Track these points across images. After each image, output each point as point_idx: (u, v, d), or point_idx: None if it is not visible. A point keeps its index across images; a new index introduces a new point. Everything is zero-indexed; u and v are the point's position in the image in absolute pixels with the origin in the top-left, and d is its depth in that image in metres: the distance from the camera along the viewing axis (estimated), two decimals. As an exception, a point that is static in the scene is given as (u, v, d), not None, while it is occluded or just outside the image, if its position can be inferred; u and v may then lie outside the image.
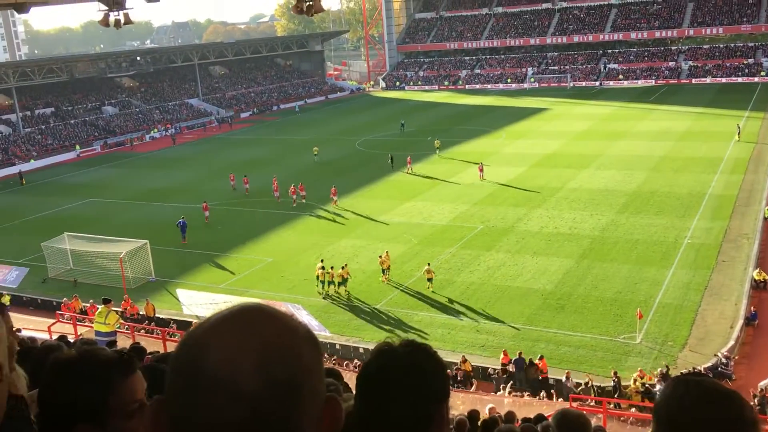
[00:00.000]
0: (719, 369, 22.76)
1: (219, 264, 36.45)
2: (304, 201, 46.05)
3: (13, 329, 2.42)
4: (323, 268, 31.83)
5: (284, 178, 51.09)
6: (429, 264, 31.97)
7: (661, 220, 37.92)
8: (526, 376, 23.23)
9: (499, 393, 22.17)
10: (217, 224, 42.78)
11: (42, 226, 44.78)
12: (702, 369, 22.57)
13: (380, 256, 32.83)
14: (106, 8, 18.47)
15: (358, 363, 24.69)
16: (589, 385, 21.83)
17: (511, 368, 23.54)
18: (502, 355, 24.00)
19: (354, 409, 1.70)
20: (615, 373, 22.27)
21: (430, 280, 30.95)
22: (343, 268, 31.61)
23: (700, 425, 1.59)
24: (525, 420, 9.25)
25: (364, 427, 1.68)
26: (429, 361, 1.73)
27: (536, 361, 23.21)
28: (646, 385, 21.50)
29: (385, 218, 41.46)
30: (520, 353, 23.75)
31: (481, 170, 49.76)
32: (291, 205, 45.70)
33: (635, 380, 21.73)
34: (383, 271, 32.34)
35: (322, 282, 31.61)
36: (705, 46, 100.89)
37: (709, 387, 1.66)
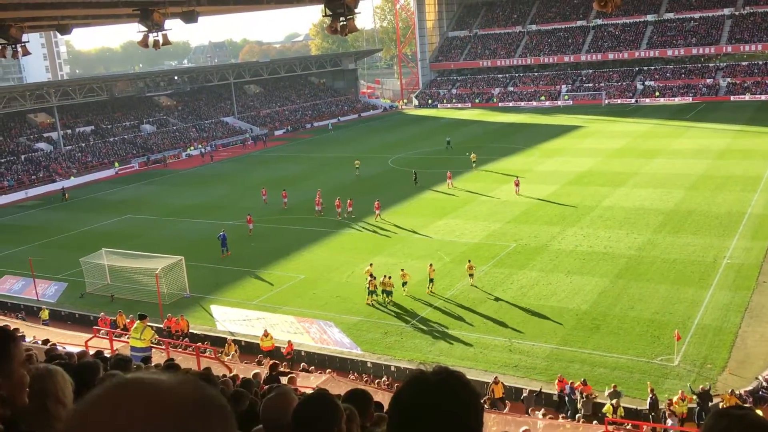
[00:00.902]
0: (760, 393, 22.10)
1: (252, 280, 36.72)
2: (352, 216, 46.55)
3: (25, 361, 2.46)
4: (372, 275, 32.49)
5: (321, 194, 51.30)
6: (470, 260, 33.82)
7: (700, 239, 37.18)
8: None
9: (532, 415, 21.79)
10: (250, 241, 43.16)
11: (81, 241, 45.71)
12: (742, 393, 21.97)
13: (402, 269, 33.31)
14: (146, 29, 18.90)
15: (387, 380, 24.56)
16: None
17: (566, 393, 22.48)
18: (557, 381, 23.11)
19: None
20: (652, 390, 21.70)
21: (471, 275, 32.89)
22: (385, 277, 32.08)
23: None
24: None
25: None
26: (463, 391, 1.70)
27: (578, 384, 22.57)
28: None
29: (418, 236, 41.34)
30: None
31: (517, 185, 50.15)
32: (335, 219, 46.35)
33: (677, 402, 21.10)
34: (430, 280, 32.88)
35: (371, 291, 32.16)
36: (743, 63, 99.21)
37: (752, 421, 1.61)
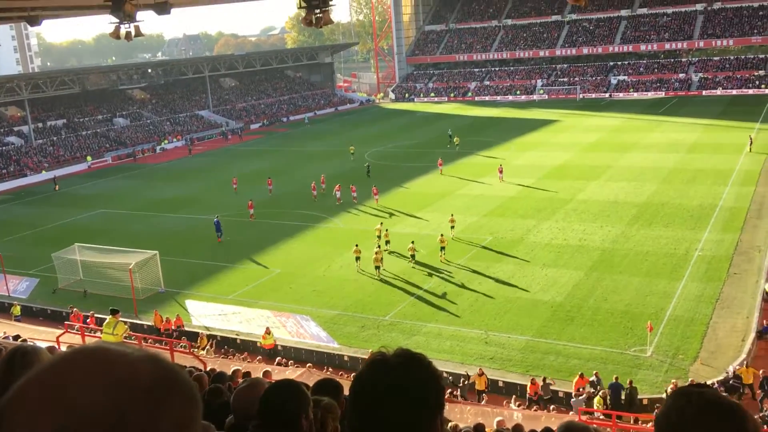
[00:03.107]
0: (731, 382, 22.50)
1: (227, 274, 36.49)
2: (356, 201, 48.33)
3: None
4: (379, 246, 35.99)
5: (294, 189, 51.18)
6: (442, 235, 36.44)
7: (672, 232, 37.69)
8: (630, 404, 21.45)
9: (510, 406, 21.97)
10: (226, 236, 42.81)
11: (53, 236, 45.06)
12: (714, 383, 22.34)
13: (412, 242, 36.15)
14: (117, 21, 18.63)
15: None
16: (586, 389, 21.72)
17: (588, 390, 21.91)
18: (576, 378, 22.53)
19: (348, 421, 1.67)
20: (630, 383, 21.97)
21: (413, 256, 35.58)
22: (376, 253, 34.38)
23: None
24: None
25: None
26: (422, 372, 1.69)
27: (575, 377, 22.55)
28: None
29: (398, 228, 41.35)
30: (616, 378, 22.24)
31: (501, 171, 51.68)
32: (335, 203, 48.28)
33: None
34: (442, 248, 35.64)
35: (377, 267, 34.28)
36: (715, 58, 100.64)
37: (710, 399, 1.62)
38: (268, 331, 27.82)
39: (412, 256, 35.61)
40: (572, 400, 21.80)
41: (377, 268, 34.20)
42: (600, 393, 21.73)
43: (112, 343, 1.19)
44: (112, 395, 1.07)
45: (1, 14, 20.13)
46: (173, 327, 29.38)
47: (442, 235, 36.66)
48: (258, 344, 27.93)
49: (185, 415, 1.12)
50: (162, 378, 1.12)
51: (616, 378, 22.41)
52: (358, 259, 35.16)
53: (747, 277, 31.18)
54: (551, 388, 22.72)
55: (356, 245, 35.69)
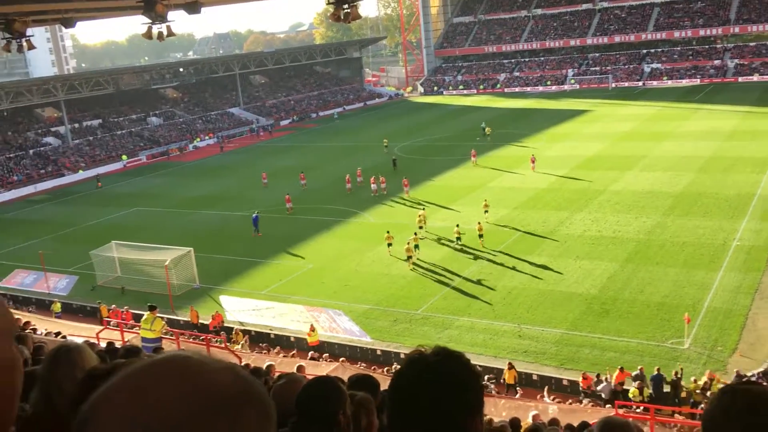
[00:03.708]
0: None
1: (261, 270, 36.82)
2: (385, 192, 49.10)
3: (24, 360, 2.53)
4: (415, 234, 36.72)
5: (325, 184, 51.41)
6: (479, 222, 37.33)
7: (709, 222, 37.00)
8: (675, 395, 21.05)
9: (544, 400, 21.82)
10: (262, 231, 43.14)
11: (90, 235, 45.93)
12: (755, 375, 21.91)
13: (457, 225, 37.22)
14: (150, 21, 18.89)
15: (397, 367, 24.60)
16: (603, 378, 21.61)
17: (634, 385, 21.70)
18: (617, 372, 22.18)
19: (386, 420, 1.68)
20: (676, 373, 21.59)
21: (458, 238, 36.50)
22: (408, 243, 34.89)
23: None
24: (568, 428, 9.10)
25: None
26: (462, 371, 1.68)
27: (614, 373, 22.23)
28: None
29: (430, 221, 41.20)
30: (658, 369, 21.83)
31: (533, 162, 51.84)
32: (371, 195, 49.00)
33: (706, 384, 20.99)
34: (480, 235, 36.50)
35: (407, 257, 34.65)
36: (751, 44, 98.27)
37: (756, 395, 1.59)
38: (312, 328, 27.68)
39: (458, 238, 36.59)
40: (598, 387, 21.67)
41: (409, 258, 34.40)
42: (636, 384, 21.46)
43: (192, 351, 1.22)
44: (194, 403, 1.09)
45: (36, 17, 20.53)
46: (217, 324, 29.53)
47: (479, 222, 37.38)
48: (306, 343, 27.78)
49: (260, 428, 1.14)
50: (241, 390, 1.14)
51: (658, 369, 22.08)
52: (390, 245, 35.87)
53: (787, 267, 30.47)
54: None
55: (387, 231, 36.61)
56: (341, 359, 24.04)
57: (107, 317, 29.08)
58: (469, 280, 32.40)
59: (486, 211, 40.27)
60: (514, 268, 33.26)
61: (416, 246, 35.17)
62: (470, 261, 34.57)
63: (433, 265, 34.51)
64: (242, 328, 29.56)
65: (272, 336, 29.21)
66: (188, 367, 1.12)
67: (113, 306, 31.74)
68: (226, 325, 30.10)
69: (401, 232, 38.29)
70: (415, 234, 36.88)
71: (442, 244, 37.51)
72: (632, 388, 21.18)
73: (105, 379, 1.19)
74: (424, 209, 41.67)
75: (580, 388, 22.30)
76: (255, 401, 1.14)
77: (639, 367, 22.56)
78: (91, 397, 1.12)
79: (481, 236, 36.42)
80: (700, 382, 21.11)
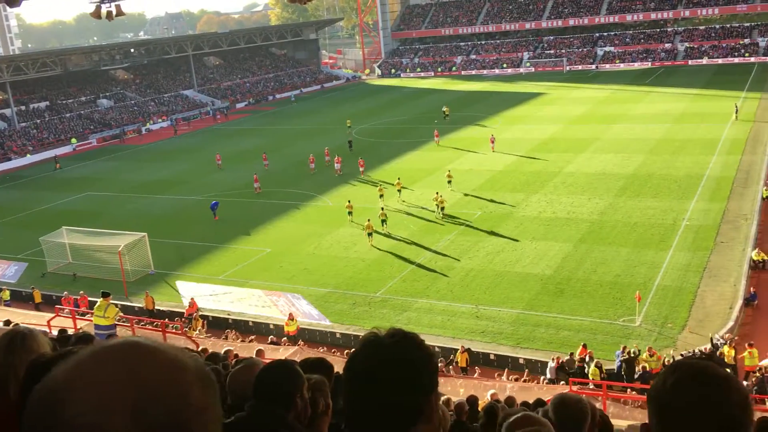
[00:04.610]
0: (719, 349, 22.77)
1: (217, 255, 36.44)
2: (340, 173, 49.89)
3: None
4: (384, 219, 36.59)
5: (284, 166, 50.94)
6: (437, 192, 38.72)
7: (659, 202, 37.92)
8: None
9: (500, 378, 22.18)
10: (219, 215, 42.63)
11: (40, 220, 44.76)
12: (704, 350, 22.63)
13: (368, 220, 36.15)
14: (98, 0, 18.36)
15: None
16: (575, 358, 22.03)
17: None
18: (579, 348, 22.90)
19: (343, 401, 1.68)
20: (624, 348, 22.35)
21: (442, 208, 37.84)
22: (369, 220, 35.57)
23: (689, 407, 1.58)
24: (524, 405, 9.26)
25: (352, 420, 1.66)
26: (416, 352, 1.69)
27: (578, 350, 22.82)
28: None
29: (389, 202, 41.33)
30: (624, 347, 22.65)
31: (493, 142, 52.89)
32: (335, 175, 49.62)
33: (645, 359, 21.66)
34: (441, 207, 37.93)
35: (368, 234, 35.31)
36: (701, 27, 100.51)
37: (700, 369, 1.64)
38: (291, 317, 27.18)
39: (442, 208, 37.82)
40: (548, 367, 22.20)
41: (369, 234, 34.95)
42: (595, 363, 21.97)
43: (142, 337, 1.27)
44: (175, 375, 1.17)
45: (-22, -5, 19.77)
46: (194, 312, 28.92)
47: (437, 192, 38.66)
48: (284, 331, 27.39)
49: (216, 391, 1.24)
50: (196, 362, 1.23)
51: (624, 348, 22.66)
52: (370, 235, 35.18)
53: (734, 246, 31.48)
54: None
55: (368, 220, 35.99)
56: (300, 342, 24.01)
57: (61, 305, 28.42)
58: (427, 264, 32.63)
59: (449, 181, 41.75)
60: (472, 250, 33.60)
61: (383, 221, 36.12)
62: (430, 243, 34.78)
63: (390, 250, 34.65)
64: (199, 313, 29.23)
65: (230, 321, 28.90)
66: (148, 347, 1.18)
67: (65, 293, 31.05)
68: (179, 310, 29.73)
69: (361, 215, 38.30)
70: (383, 209, 37.46)
71: (403, 227, 37.65)
72: (593, 367, 21.68)
73: (49, 368, 1.19)
74: (380, 183, 43.40)
75: (554, 366, 22.59)
76: (207, 375, 1.22)
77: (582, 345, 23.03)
78: (52, 379, 1.14)
79: (442, 209, 37.60)
80: (663, 359, 21.75)
